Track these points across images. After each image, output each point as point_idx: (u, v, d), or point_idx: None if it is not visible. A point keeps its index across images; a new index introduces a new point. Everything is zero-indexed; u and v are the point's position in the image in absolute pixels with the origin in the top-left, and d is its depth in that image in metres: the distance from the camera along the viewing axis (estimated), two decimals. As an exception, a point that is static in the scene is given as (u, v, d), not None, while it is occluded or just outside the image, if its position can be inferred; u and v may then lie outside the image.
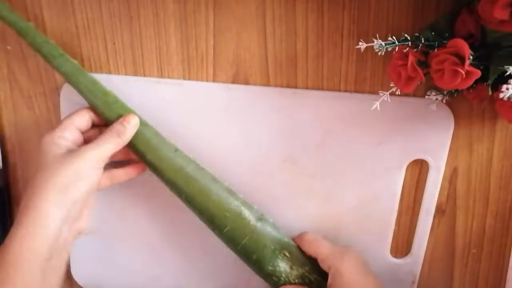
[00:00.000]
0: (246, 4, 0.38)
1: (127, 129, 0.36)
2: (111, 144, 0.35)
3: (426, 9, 0.36)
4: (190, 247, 0.45)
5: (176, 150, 0.38)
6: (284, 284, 0.38)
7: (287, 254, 0.39)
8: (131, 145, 0.38)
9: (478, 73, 0.30)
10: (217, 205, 0.38)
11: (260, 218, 0.39)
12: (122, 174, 0.39)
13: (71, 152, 0.34)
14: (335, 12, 0.37)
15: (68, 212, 0.33)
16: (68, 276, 0.48)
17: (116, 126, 0.36)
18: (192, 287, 0.46)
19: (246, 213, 0.38)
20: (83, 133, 0.37)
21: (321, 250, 0.38)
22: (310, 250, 0.39)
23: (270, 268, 0.38)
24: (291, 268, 0.39)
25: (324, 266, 0.38)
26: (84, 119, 0.37)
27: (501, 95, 0.30)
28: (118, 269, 0.46)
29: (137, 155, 0.38)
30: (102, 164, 0.36)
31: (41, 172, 0.34)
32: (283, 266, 0.38)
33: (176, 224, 0.44)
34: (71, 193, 0.33)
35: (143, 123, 0.38)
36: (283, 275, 0.38)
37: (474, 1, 0.31)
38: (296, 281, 0.38)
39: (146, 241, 0.45)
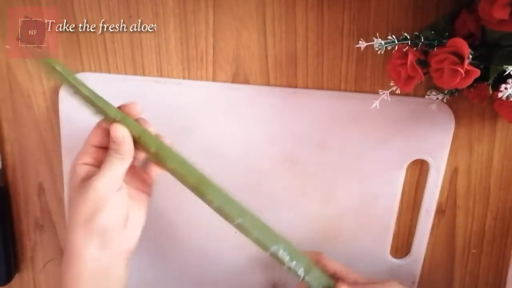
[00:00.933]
0: (246, 3, 0.38)
1: (121, 144, 0.33)
2: (116, 165, 0.33)
3: (426, 9, 0.36)
4: (188, 253, 0.45)
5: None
6: None
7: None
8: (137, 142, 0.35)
9: (477, 72, 0.30)
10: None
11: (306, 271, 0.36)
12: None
13: (84, 183, 0.33)
14: (335, 11, 0.37)
15: (103, 240, 0.32)
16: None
17: (111, 147, 0.34)
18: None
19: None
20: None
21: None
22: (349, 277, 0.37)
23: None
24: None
25: None
26: (99, 134, 0.35)
27: (500, 95, 0.30)
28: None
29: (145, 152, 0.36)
30: (117, 186, 0.33)
31: (69, 205, 0.34)
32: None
33: (174, 229, 0.44)
34: (97, 223, 0.32)
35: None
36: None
37: (474, 1, 0.31)
38: None
39: (143, 246, 0.45)
